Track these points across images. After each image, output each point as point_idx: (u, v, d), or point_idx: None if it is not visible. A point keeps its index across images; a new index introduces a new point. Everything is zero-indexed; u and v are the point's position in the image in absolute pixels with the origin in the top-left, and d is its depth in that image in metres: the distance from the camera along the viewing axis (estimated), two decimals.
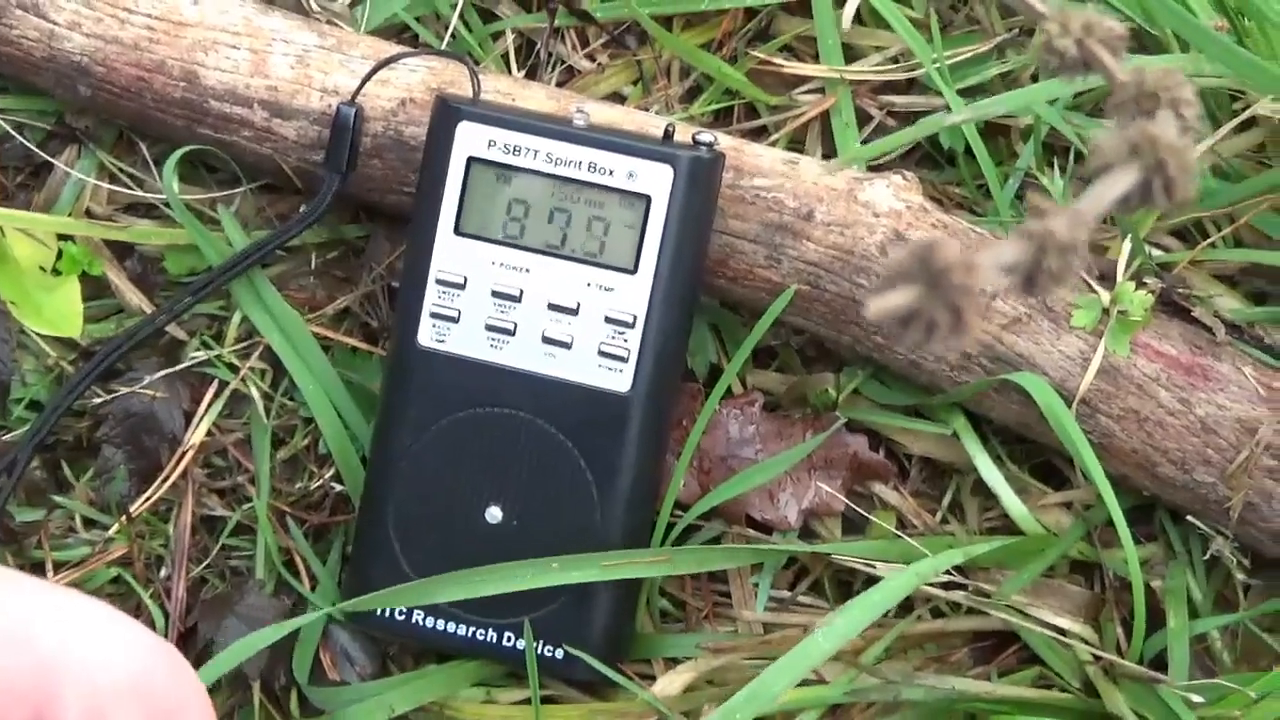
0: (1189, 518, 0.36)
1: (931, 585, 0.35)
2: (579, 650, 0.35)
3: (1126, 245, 0.35)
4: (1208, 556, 0.36)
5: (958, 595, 0.35)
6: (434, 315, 0.36)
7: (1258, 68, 0.34)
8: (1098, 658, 0.35)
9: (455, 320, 0.36)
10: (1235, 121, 0.36)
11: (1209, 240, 0.37)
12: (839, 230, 0.34)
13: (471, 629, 0.36)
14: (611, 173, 0.35)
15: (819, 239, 0.34)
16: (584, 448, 0.36)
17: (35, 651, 0.20)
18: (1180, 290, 0.36)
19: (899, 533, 0.36)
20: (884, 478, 0.37)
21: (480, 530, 0.36)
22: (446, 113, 0.35)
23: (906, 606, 0.36)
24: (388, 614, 0.36)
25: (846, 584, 0.36)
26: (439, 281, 0.36)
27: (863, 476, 0.36)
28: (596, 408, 0.36)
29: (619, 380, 0.36)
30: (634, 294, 0.35)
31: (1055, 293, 0.18)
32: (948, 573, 0.35)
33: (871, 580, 0.34)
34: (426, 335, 0.36)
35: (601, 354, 0.36)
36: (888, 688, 0.34)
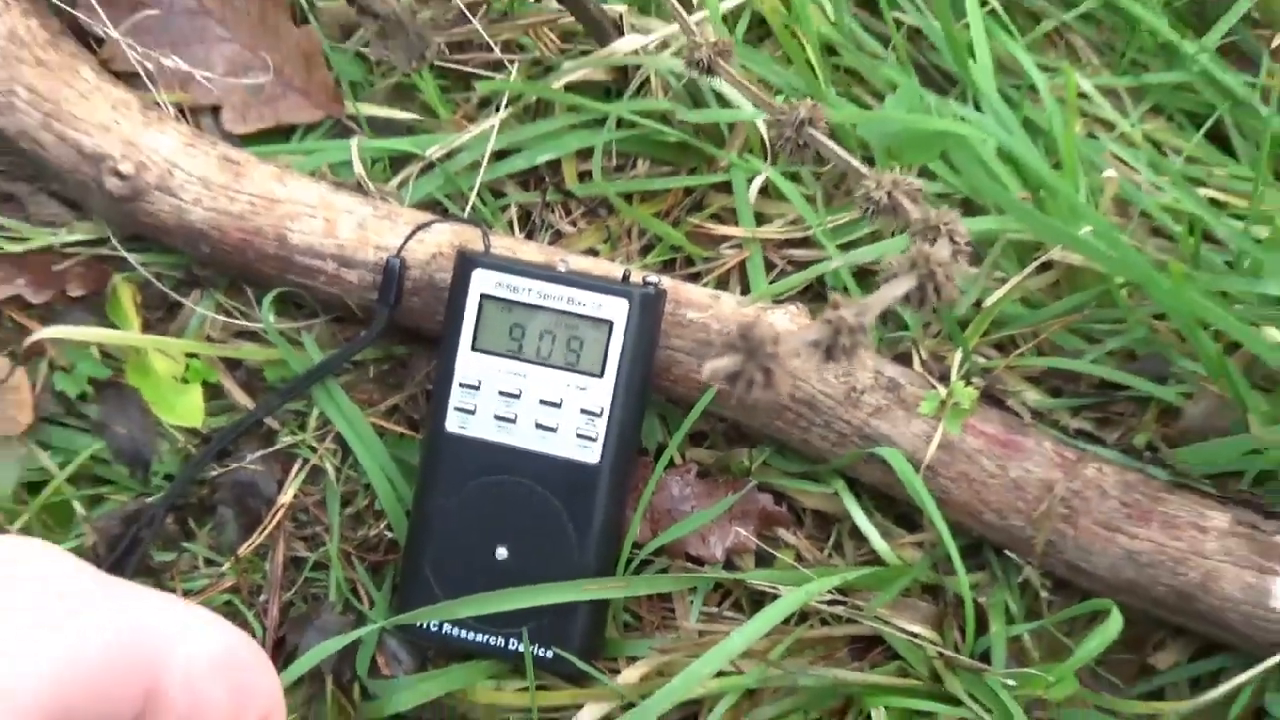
0: (1006, 552, 0.44)
1: (819, 602, 0.43)
2: (564, 651, 0.42)
3: (958, 355, 0.44)
4: (1020, 580, 0.44)
5: (839, 609, 0.44)
6: (457, 409, 0.44)
7: (1052, 227, 0.43)
8: (941, 654, 0.43)
9: (473, 413, 0.44)
10: (1035, 264, 0.45)
11: (1019, 351, 0.46)
12: None
13: (486, 636, 0.43)
14: (584, 305, 0.43)
15: None
16: (566, 504, 0.43)
17: (149, 632, 0.23)
18: (998, 387, 0.45)
19: (796, 565, 0.45)
20: (784, 525, 0.46)
21: (492, 565, 0.43)
22: (465, 262, 0.43)
23: (803, 618, 0.44)
24: (425, 626, 0.43)
25: (758, 602, 0.44)
26: (460, 385, 0.44)
27: (769, 524, 0.46)
28: (575, 475, 0.43)
29: (591, 454, 0.43)
30: (601, 392, 0.43)
31: (848, 363, 0.23)
32: (831, 593, 0.43)
33: (775, 598, 0.42)
34: (453, 424, 0.44)
35: (578, 436, 0.43)
36: (787, 676, 0.43)
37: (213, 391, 0.47)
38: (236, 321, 0.47)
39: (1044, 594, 0.44)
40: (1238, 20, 0.49)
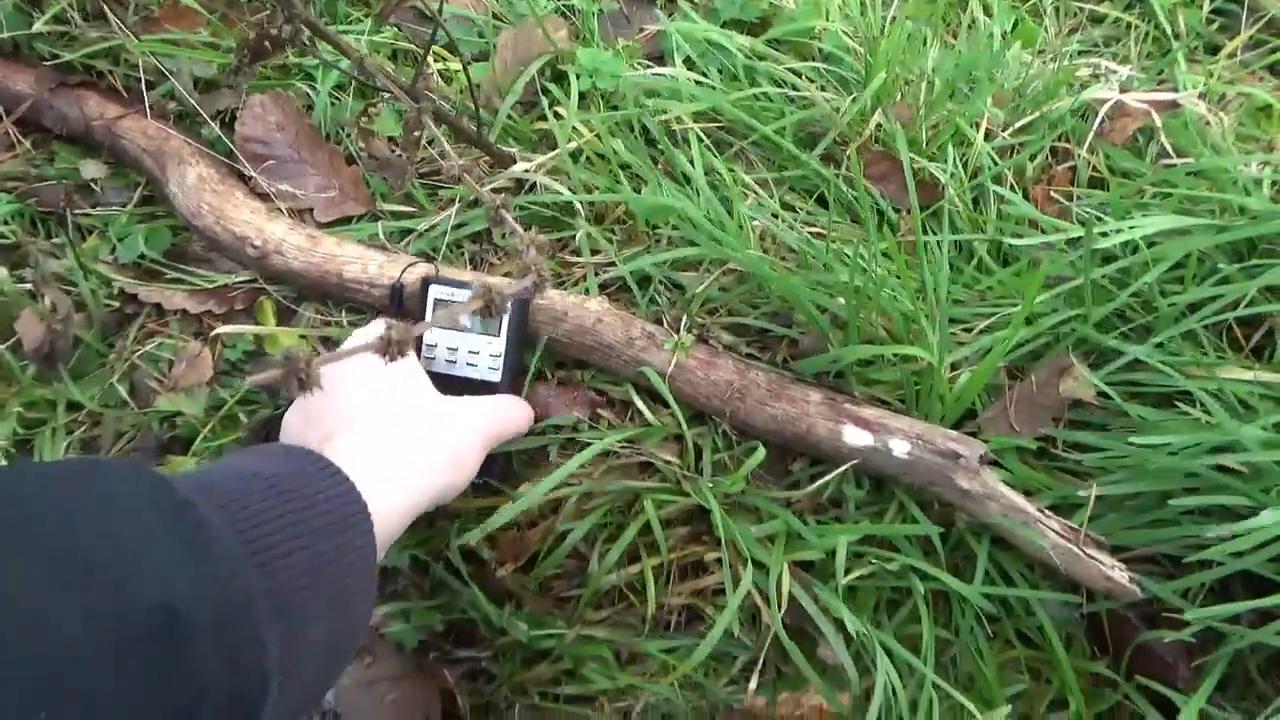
0: (712, 416, 0.86)
1: (620, 446, 0.81)
2: (490, 479, 0.78)
3: (684, 318, 0.87)
4: (720, 430, 0.84)
5: (630, 451, 0.84)
6: (425, 355, 0.78)
7: (728, 250, 0.87)
8: (681, 471, 0.81)
9: (434, 358, 0.78)
10: (722, 270, 0.89)
11: (718, 313, 0.88)
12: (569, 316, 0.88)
13: None
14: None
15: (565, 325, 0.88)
16: None
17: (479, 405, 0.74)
18: (707, 334, 0.86)
19: (609, 429, 0.87)
20: (602, 408, 0.85)
21: None
22: (425, 282, 0.78)
23: (613, 455, 0.82)
24: None
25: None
26: (427, 344, 0.78)
27: (594, 408, 0.84)
28: (488, 389, 0.77)
29: (496, 376, 0.78)
30: (500, 345, 0.77)
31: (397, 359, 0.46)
32: (625, 442, 0.82)
33: (593, 444, 0.84)
34: (424, 363, 0.77)
35: (489, 368, 0.78)
36: (602, 483, 0.81)
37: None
38: (323, 318, 0.90)
39: (732, 438, 0.85)
40: (832, 141, 0.92)
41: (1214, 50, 1.16)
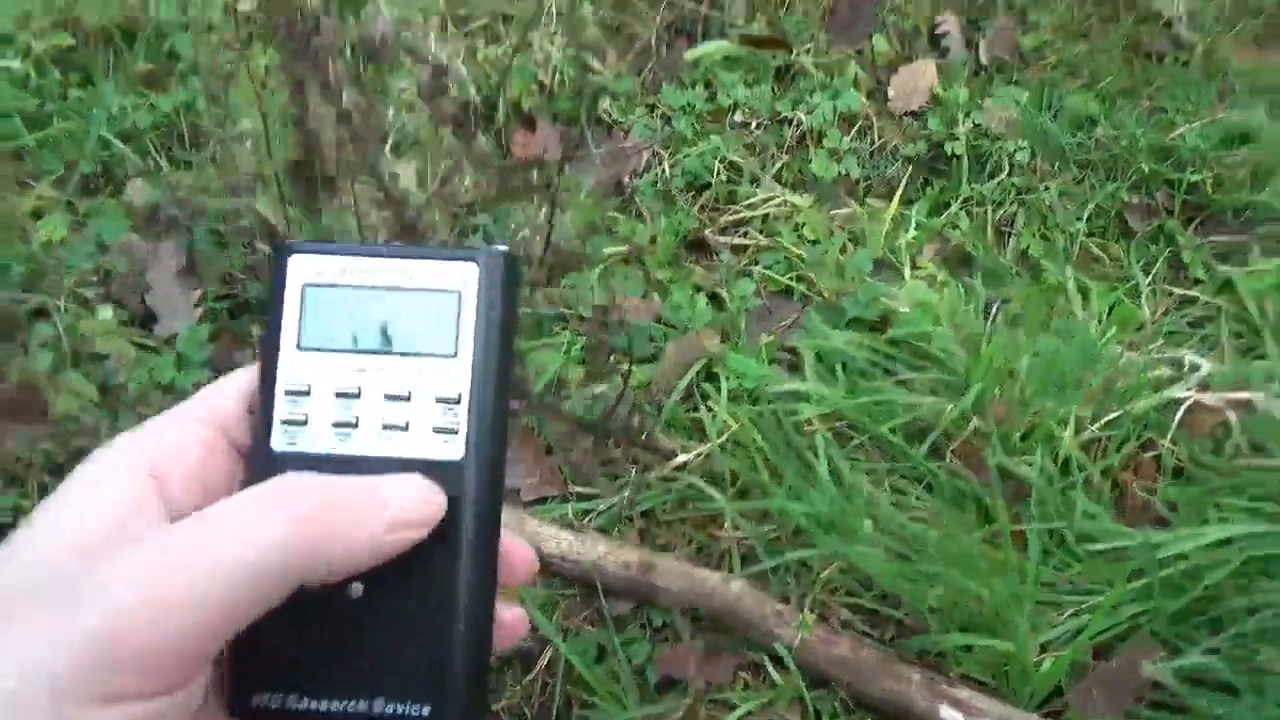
0: None
1: (753, 706, 1.04)
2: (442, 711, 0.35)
3: (809, 597, 1.07)
4: (839, 696, 1.04)
5: (760, 709, 1.05)
6: (285, 422, 0.36)
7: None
8: None
9: (304, 423, 0.36)
10: None
11: None
12: None
13: (341, 702, 0.34)
14: (425, 276, 0.36)
15: None
16: None
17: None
18: (828, 613, 1.07)
19: None
20: (744, 668, 1.08)
21: (343, 609, 0.34)
22: (279, 249, 0.37)
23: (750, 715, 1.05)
24: (261, 704, 0.35)
25: None
26: (287, 392, 0.36)
27: (738, 669, 1.07)
28: (437, 478, 0.35)
29: (454, 449, 0.36)
30: (457, 374, 0.36)
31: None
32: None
33: None
34: (280, 441, 0.36)
35: (435, 430, 0.36)
36: None
37: None
38: None
39: (849, 703, 1.03)
40: (939, 435, 1.12)
41: None
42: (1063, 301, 1.32)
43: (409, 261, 0.37)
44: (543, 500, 1.18)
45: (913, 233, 1.38)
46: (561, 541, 1.11)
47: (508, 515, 0.35)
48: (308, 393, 0.36)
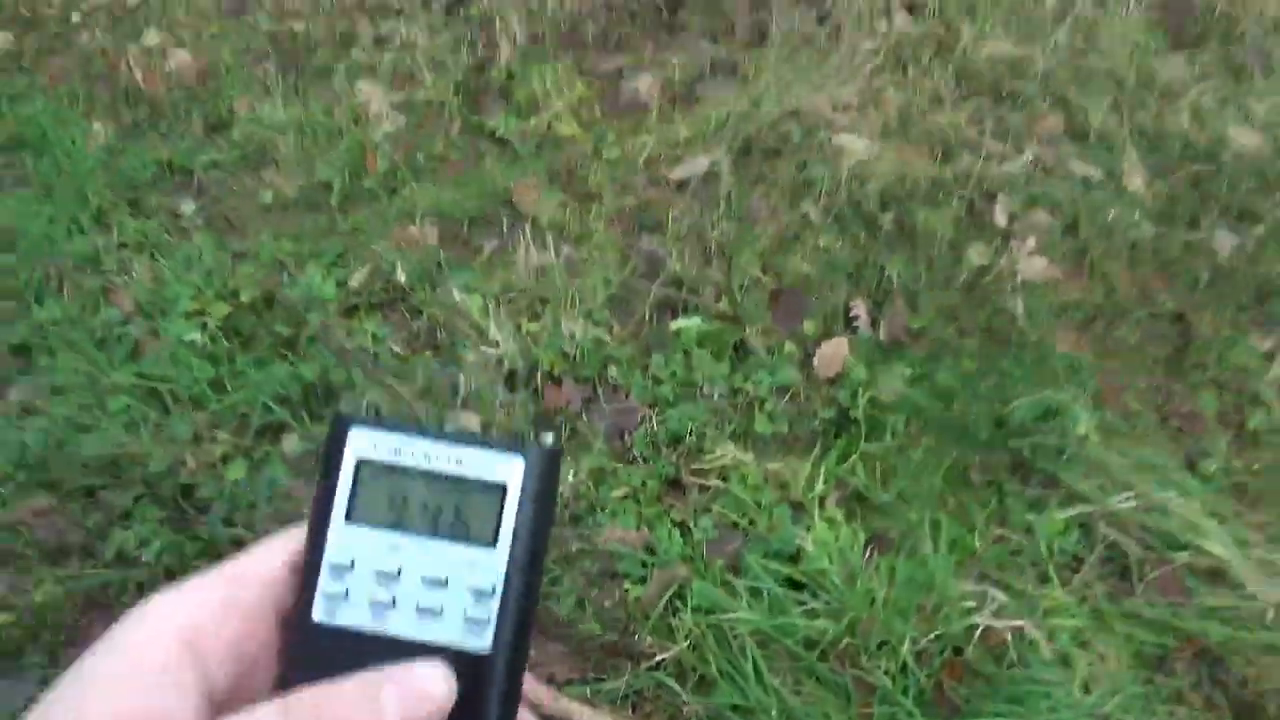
0: None
1: None
2: None
3: None
4: None
5: None
6: (326, 594, 0.38)
7: None
8: None
9: (345, 598, 0.38)
10: None
11: None
12: None
13: None
14: (475, 466, 0.39)
15: None
16: (455, 706, 0.37)
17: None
18: None
19: None
20: None
21: None
22: (340, 421, 0.39)
23: None
24: None
25: None
26: (332, 565, 0.38)
27: None
28: (463, 668, 0.37)
29: (482, 641, 0.38)
30: (493, 566, 0.38)
31: None
32: None
33: None
34: (320, 612, 0.38)
35: (466, 619, 0.38)
36: None
37: None
38: None
39: None
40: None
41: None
42: (923, 530, 1.97)
43: (460, 449, 0.38)
44: (569, 681, 1.82)
45: (820, 486, 2.03)
46: (584, 714, 1.75)
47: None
48: (351, 567, 0.38)
